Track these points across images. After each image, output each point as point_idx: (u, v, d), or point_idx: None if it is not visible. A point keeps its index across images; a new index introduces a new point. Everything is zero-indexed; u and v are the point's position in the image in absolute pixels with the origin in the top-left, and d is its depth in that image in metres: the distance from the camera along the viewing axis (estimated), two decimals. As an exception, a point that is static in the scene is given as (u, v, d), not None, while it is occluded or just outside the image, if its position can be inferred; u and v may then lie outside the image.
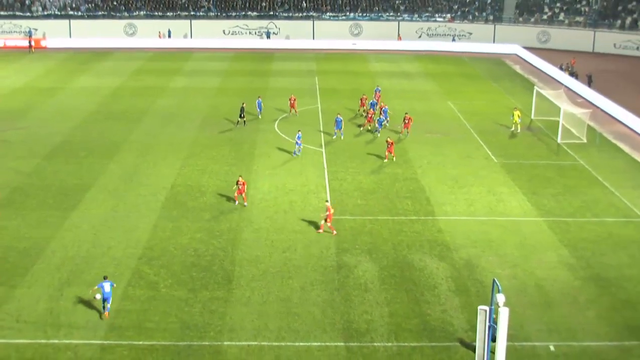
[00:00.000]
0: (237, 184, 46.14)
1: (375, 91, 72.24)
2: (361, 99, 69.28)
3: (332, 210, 42.73)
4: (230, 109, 69.35)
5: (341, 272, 38.03)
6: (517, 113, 64.24)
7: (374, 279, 37.47)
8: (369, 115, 64.55)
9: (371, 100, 67.31)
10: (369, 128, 63.51)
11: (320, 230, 42.63)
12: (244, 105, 64.87)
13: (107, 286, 33.53)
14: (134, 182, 50.42)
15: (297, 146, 56.00)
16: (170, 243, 41.02)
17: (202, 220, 44.25)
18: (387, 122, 63.59)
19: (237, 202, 46.25)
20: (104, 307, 33.46)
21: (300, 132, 56.86)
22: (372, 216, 45.24)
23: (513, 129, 64.15)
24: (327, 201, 44.07)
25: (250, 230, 42.95)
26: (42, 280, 36.61)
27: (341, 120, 60.77)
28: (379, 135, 61.25)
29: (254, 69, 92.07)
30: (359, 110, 68.92)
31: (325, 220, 42.47)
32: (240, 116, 63.87)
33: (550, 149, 59.84)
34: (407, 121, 61.58)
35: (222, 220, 44.16)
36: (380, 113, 64.03)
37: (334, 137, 60.26)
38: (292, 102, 68.00)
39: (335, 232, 42.45)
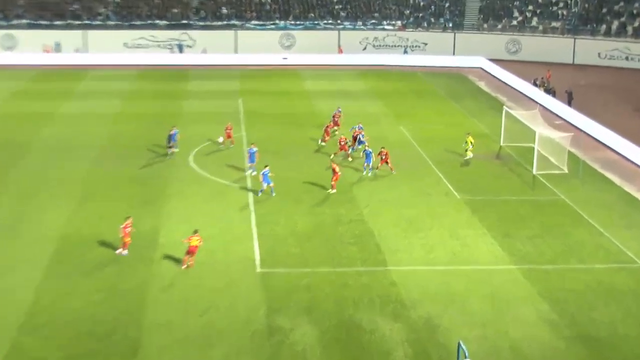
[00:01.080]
0: (124, 228, 45.88)
1: (335, 113, 73.53)
2: (326, 129, 69.93)
3: (195, 242, 44.16)
4: (134, 139, 69.08)
5: (273, 338, 37.73)
6: (469, 139, 64.84)
7: (314, 344, 37.25)
8: (343, 144, 65.40)
9: (359, 135, 67.40)
10: (347, 156, 64.89)
11: (184, 266, 44.06)
12: (172, 132, 65.85)
13: None
14: (15, 233, 49.57)
15: (265, 184, 55.51)
16: (59, 307, 40.28)
17: (100, 277, 43.59)
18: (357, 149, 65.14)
19: (125, 251, 46.11)
20: None
21: (267, 168, 56.04)
22: (309, 267, 45.12)
23: (467, 157, 64.66)
24: (195, 231, 44.38)
25: (160, 287, 42.46)
26: None
27: (254, 152, 60.20)
28: (370, 174, 61.13)
29: (163, 90, 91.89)
30: (324, 140, 69.01)
31: (187, 253, 44.21)
32: (168, 146, 64.89)
33: (525, 181, 60.52)
34: (384, 156, 61.50)
35: (126, 277, 43.60)
36: (356, 142, 65.17)
37: (253, 173, 59.32)
38: (228, 131, 67.87)
39: (186, 265, 44.06)
